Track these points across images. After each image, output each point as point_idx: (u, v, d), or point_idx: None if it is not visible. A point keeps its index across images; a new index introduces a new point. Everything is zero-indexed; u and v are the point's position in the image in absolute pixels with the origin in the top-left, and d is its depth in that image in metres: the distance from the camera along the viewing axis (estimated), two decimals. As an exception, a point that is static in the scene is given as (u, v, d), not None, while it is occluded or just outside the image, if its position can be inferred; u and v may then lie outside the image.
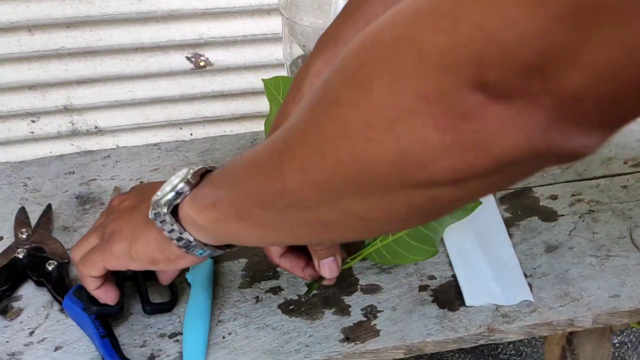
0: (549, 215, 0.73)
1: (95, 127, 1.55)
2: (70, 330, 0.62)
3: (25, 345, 0.60)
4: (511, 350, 1.31)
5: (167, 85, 1.52)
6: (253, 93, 1.57)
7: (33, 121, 1.52)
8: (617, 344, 1.31)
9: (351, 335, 0.61)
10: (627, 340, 1.33)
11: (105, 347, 0.56)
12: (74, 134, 1.56)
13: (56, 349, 0.60)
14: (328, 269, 0.56)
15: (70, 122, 1.54)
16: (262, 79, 0.66)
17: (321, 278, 0.58)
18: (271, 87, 0.63)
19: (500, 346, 1.32)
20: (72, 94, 1.49)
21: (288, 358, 0.59)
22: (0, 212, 0.76)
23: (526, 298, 0.64)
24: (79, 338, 0.61)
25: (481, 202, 0.63)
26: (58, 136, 1.56)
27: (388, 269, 0.67)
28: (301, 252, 0.59)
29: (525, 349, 1.31)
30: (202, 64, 1.50)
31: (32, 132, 1.53)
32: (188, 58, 1.49)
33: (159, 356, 0.59)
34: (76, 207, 0.77)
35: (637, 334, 1.34)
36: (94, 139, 1.56)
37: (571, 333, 0.81)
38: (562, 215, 0.73)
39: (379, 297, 0.65)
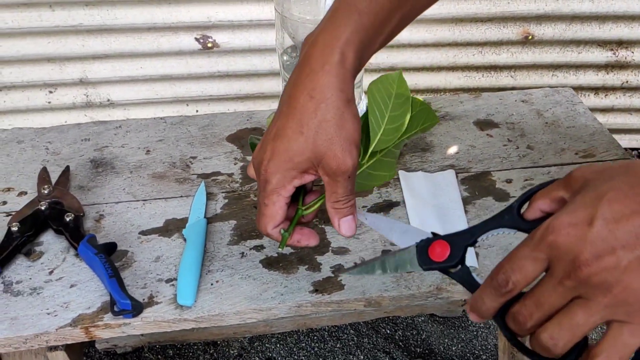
0: (502, 196, 0.84)
1: (108, 100, 1.66)
2: (83, 272, 0.73)
3: (45, 282, 0.71)
4: (480, 324, 1.42)
5: (176, 63, 1.63)
6: (256, 75, 1.68)
7: (50, 92, 1.64)
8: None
9: (320, 287, 0.72)
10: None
11: (112, 285, 0.68)
12: (88, 105, 1.67)
13: (71, 286, 0.71)
14: (348, 226, 0.58)
15: (85, 95, 1.66)
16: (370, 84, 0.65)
17: (290, 227, 0.60)
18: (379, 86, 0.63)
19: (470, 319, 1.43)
20: (88, 68, 1.61)
21: (265, 303, 0.70)
22: (25, 171, 0.87)
23: (472, 264, 0.74)
24: (91, 278, 0.72)
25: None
26: (73, 107, 1.68)
27: (357, 235, 0.78)
28: (287, 221, 0.61)
29: (494, 322, 1.42)
30: (209, 45, 1.61)
31: (49, 102, 1.65)
32: (197, 39, 1.60)
33: (156, 296, 0.70)
34: (90, 169, 0.88)
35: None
36: (106, 111, 1.68)
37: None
38: (514, 196, 0.83)
39: (346, 257, 0.76)
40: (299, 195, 0.62)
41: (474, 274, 0.49)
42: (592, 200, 0.40)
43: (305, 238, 0.62)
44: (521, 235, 0.46)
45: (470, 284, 0.49)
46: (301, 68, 0.56)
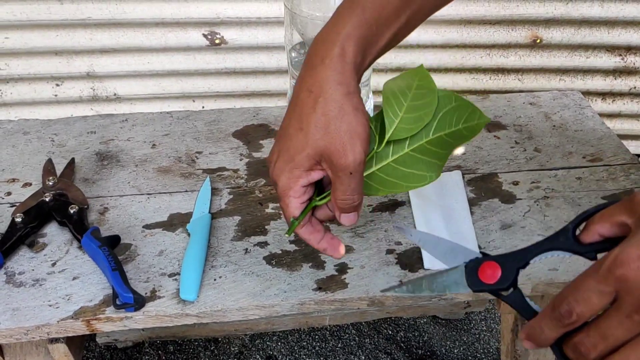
0: (509, 198, 0.83)
1: (114, 95, 1.66)
2: (86, 264, 0.73)
3: (48, 273, 0.71)
4: (482, 327, 1.42)
5: (183, 59, 1.63)
6: (263, 72, 1.67)
7: (57, 85, 1.64)
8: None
9: (323, 285, 0.72)
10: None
11: (115, 278, 0.67)
12: (94, 99, 1.67)
13: (74, 278, 0.71)
14: (348, 220, 0.58)
15: (91, 88, 1.66)
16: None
17: (301, 216, 0.59)
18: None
19: (473, 322, 1.42)
20: (95, 61, 1.60)
21: (268, 300, 0.70)
22: (30, 162, 0.87)
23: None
24: (93, 271, 0.72)
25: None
26: (79, 100, 1.68)
27: (362, 234, 0.78)
28: (319, 224, 0.61)
29: (496, 326, 1.41)
30: (217, 41, 1.61)
31: (55, 95, 1.65)
32: (204, 35, 1.59)
33: (159, 290, 0.70)
34: (96, 162, 0.88)
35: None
36: (113, 105, 1.68)
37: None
38: (520, 199, 0.83)
39: (351, 256, 0.75)
40: (316, 187, 0.60)
41: (527, 298, 0.48)
42: None
43: (331, 249, 0.61)
44: (576, 259, 0.46)
45: (523, 308, 0.48)
46: (304, 65, 0.56)
